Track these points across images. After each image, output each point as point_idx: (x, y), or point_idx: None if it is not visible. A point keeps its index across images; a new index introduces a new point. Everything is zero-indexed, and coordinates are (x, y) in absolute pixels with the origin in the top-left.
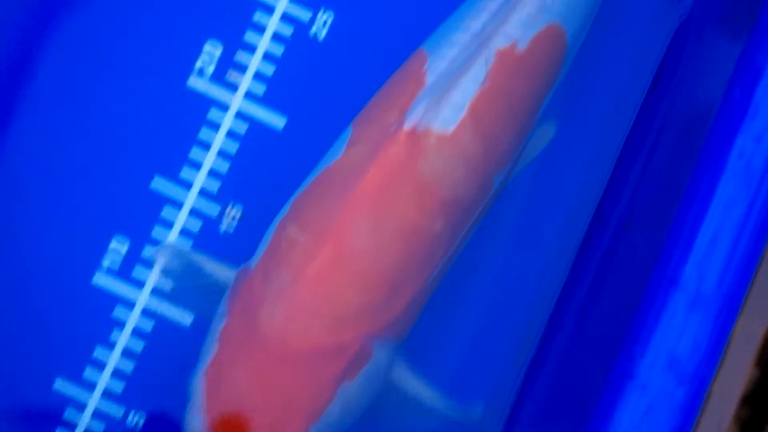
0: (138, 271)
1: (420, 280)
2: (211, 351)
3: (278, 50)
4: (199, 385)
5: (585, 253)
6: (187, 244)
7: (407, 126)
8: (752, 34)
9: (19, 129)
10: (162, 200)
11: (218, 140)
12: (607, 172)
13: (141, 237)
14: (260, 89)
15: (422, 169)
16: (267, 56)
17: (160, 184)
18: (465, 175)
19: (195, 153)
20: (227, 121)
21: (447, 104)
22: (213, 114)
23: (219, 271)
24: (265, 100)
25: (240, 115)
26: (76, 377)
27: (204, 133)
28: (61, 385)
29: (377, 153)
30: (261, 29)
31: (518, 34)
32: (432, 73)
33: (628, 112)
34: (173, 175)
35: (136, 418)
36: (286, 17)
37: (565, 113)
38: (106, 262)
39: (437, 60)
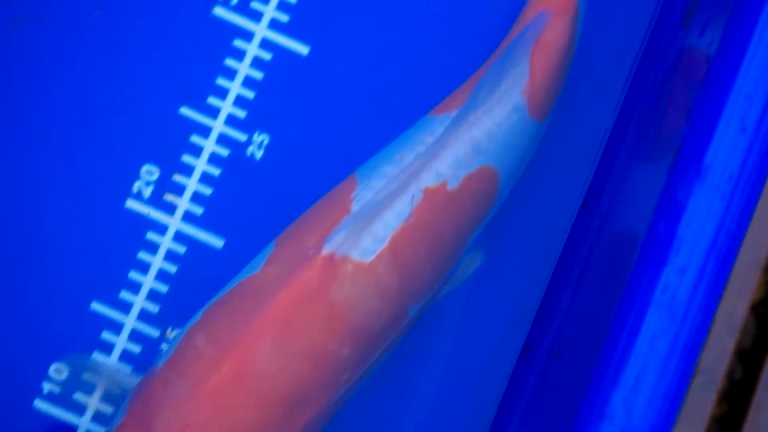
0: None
1: (321, 402)
2: None
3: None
4: None
5: (515, 380)
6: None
7: (325, 251)
8: (674, 170)
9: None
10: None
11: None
12: (537, 299)
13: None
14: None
15: (335, 296)
16: (204, 177)
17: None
18: (378, 305)
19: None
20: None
21: (368, 235)
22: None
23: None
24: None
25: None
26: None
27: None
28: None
29: (292, 275)
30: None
31: (449, 174)
32: (358, 202)
33: (557, 240)
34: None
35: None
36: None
37: (495, 241)
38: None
39: (365, 189)
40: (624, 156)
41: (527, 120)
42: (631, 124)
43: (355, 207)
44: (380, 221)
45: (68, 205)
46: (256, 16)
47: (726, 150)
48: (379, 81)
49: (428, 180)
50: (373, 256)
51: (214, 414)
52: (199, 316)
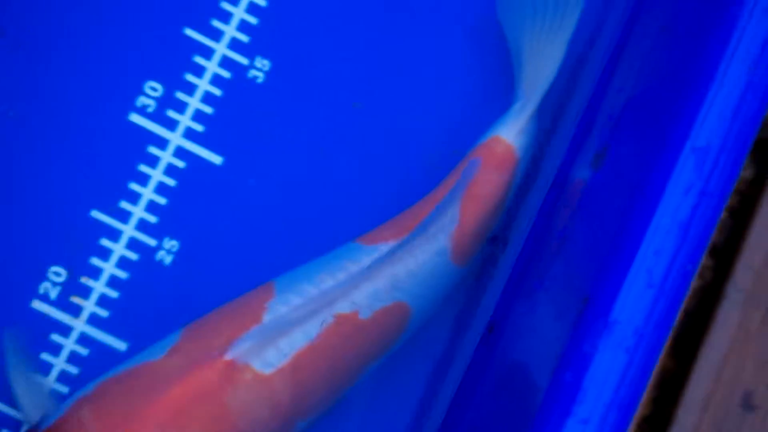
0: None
1: None
2: None
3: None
4: None
5: None
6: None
7: (228, 356)
8: (582, 320)
9: None
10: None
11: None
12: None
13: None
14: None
15: (228, 400)
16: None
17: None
18: (267, 416)
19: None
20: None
21: (273, 348)
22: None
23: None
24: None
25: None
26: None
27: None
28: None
29: (191, 371)
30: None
31: (364, 304)
32: (271, 313)
33: (459, 366)
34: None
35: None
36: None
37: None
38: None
39: (280, 303)
40: (528, 289)
41: (449, 264)
42: (540, 262)
43: (266, 317)
44: (287, 337)
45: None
46: (172, 125)
47: (632, 305)
48: (295, 201)
49: (342, 307)
50: (273, 370)
51: None
52: (92, 388)
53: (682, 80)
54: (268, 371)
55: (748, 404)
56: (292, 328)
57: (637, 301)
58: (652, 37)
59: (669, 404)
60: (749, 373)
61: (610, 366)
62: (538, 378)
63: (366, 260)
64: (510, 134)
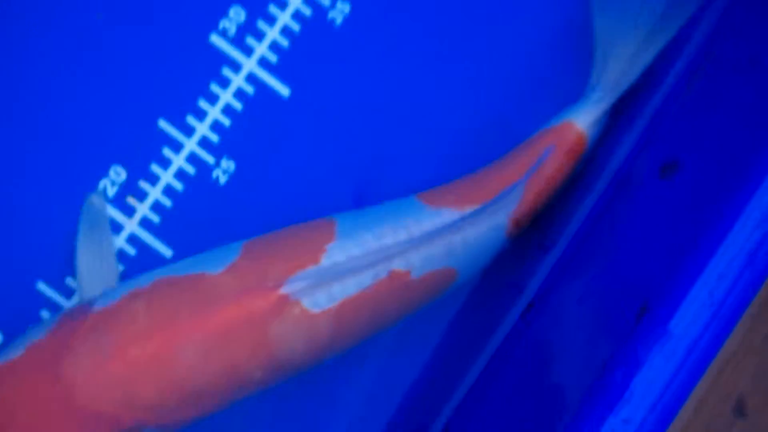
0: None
1: (215, 406)
2: (12, 352)
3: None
4: None
5: None
6: None
7: (282, 290)
8: (639, 325)
9: None
10: None
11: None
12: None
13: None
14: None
15: (273, 330)
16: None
17: None
18: (304, 350)
19: None
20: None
21: (324, 291)
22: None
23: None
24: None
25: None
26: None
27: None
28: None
29: (245, 295)
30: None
31: (417, 264)
32: (329, 257)
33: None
34: None
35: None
36: None
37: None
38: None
39: (339, 249)
40: (574, 277)
41: (503, 239)
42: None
43: (324, 260)
44: (340, 284)
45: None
46: (248, 51)
47: (690, 320)
48: (358, 143)
49: (397, 264)
50: (320, 310)
51: (121, 381)
52: (149, 283)
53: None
54: (315, 310)
55: (740, 411)
56: (346, 276)
57: (695, 317)
58: (740, 71)
59: None
60: (745, 383)
61: (660, 373)
62: (571, 364)
63: (427, 223)
64: (585, 122)
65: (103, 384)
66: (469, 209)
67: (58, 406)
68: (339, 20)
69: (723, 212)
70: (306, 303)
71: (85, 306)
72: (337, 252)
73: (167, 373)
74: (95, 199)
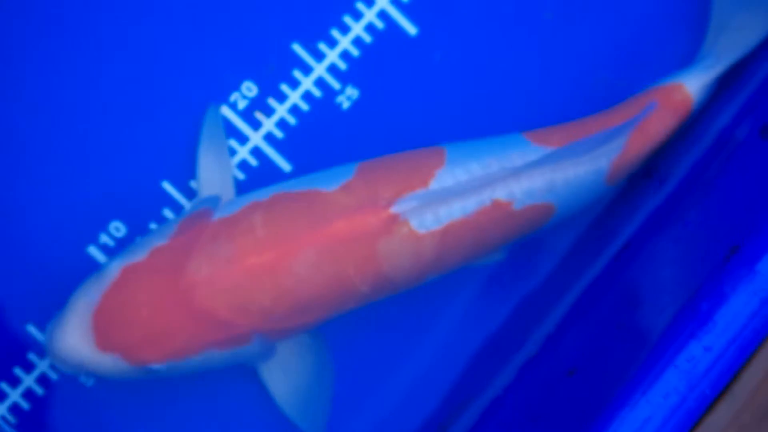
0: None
1: (323, 316)
2: (136, 255)
3: None
4: (113, 270)
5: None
6: None
7: (393, 210)
8: (728, 264)
9: None
10: None
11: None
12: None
13: None
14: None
15: (381, 246)
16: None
17: None
18: (409, 267)
19: None
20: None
21: (432, 213)
22: None
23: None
24: None
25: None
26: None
27: None
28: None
29: (358, 213)
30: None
31: (519, 197)
32: (438, 181)
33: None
34: None
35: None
36: None
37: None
38: None
39: (448, 174)
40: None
41: (602, 183)
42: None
43: (433, 185)
44: (447, 207)
45: None
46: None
47: None
48: (475, 80)
49: (501, 194)
50: (426, 231)
51: (239, 287)
52: (267, 195)
53: None
54: (421, 231)
55: None
56: (452, 200)
57: None
58: None
59: None
60: None
61: (743, 308)
62: (661, 300)
63: (532, 157)
64: (693, 86)
65: (221, 289)
66: None
67: (178, 307)
68: None
69: None
70: (414, 223)
71: (206, 213)
72: (446, 177)
73: (281, 282)
74: (213, 110)
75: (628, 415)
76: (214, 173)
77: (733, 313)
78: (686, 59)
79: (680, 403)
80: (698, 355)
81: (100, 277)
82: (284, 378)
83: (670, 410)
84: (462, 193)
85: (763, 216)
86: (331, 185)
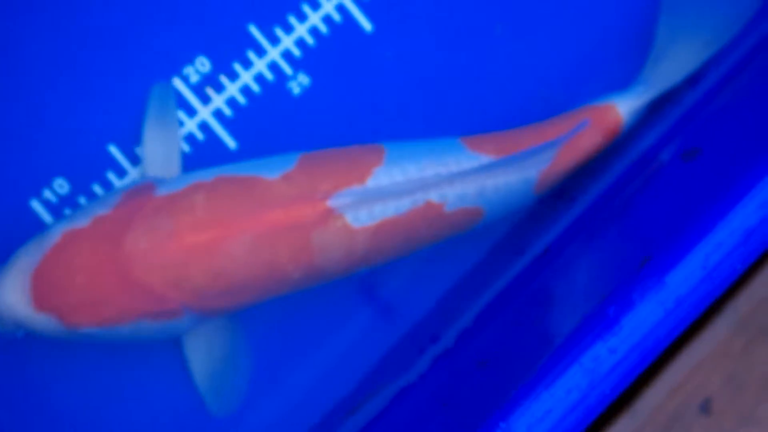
0: None
1: (253, 299)
2: (78, 221)
3: None
4: (55, 234)
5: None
6: None
7: (330, 203)
8: (639, 273)
9: None
10: None
11: None
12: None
13: None
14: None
15: (315, 238)
16: None
17: None
18: (341, 259)
19: None
20: None
21: (367, 210)
22: None
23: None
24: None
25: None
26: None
27: None
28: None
29: (296, 203)
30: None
31: (451, 199)
32: (375, 179)
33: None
34: None
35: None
36: None
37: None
38: None
39: (385, 174)
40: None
41: (530, 192)
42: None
43: (370, 182)
44: (381, 205)
45: None
46: None
47: (683, 277)
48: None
49: (433, 196)
50: (360, 226)
51: (175, 262)
52: (211, 176)
53: None
54: (355, 225)
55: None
56: (387, 199)
57: (688, 275)
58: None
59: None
60: (714, 385)
61: (649, 316)
62: (575, 303)
63: (466, 164)
64: (625, 109)
65: (158, 263)
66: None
67: (114, 276)
68: None
69: (731, 192)
70: (348, 218)
71: (149, 187)
72: (383, 176)
73: (216, 262)
74: (160, 86)
75: (531, 406)
76: (160, 148)
77: (639, 320)
78: (625, 81)
79: (581, 400)
80: (602, 355)
81: (42, 239)
82: (207, 356)
83: (571, 405)
84: (397, 193)
85: (678, 231)
86: (272, 173)
